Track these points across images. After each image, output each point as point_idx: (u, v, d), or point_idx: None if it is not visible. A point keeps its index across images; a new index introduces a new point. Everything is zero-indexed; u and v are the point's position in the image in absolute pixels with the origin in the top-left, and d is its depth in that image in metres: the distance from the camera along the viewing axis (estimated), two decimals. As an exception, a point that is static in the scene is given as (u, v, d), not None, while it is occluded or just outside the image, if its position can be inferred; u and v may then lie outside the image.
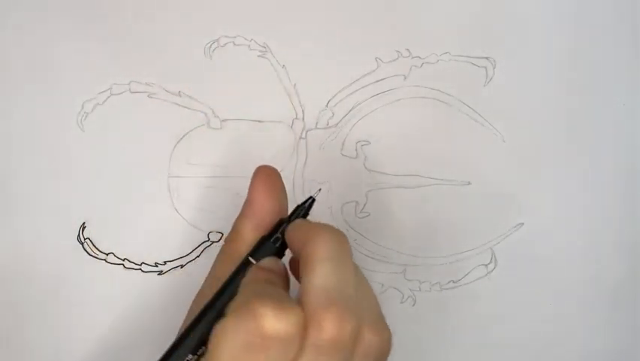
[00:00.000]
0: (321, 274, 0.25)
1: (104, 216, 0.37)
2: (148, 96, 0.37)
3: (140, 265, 0.37)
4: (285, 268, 0.29)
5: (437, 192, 0.38)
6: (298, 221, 0.29)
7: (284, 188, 0.30)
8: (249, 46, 0.37)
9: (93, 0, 0.36)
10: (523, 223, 0.38)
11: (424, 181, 0.38)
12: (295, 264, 0.30)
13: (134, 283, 0.37)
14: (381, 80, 0.37)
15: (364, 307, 0.26)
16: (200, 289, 0.30)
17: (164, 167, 0.37)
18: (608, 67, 0.38)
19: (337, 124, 0.38)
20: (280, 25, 0.37)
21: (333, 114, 0.37)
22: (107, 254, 0.37)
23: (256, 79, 0.37)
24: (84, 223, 0.37)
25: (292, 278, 0.30)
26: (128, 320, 0.37)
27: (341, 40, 0.37)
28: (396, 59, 0.37)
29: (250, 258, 0.29)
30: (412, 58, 0.37)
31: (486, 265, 0.38)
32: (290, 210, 0.30)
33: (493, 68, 0.38)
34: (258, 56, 0.37)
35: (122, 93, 0.37)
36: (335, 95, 0.37)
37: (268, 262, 0.29)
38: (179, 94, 0.37)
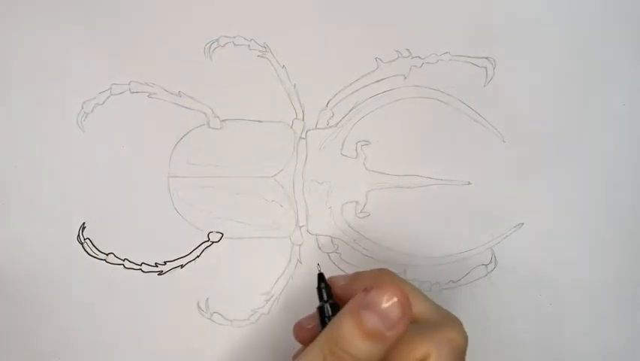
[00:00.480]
0: None
1: (104, 216, 0.37)
2: (148, 96, 0.37)
3: (140, 265, 0.37)
4: None
5: (437, 192, 0.38)
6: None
7: None
8: (248, 46, 0.37)
9: (93, 0, 0.36)
10: (523, 223, 0.38)
11: (424, 181, 0.38)
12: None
13: (134, 283, 0.37)
14: (381, 80, 0.37)
15: None
16: None
17: (164, 167, 0.37)
18: (608, 67, 0.38)
19: (337, 124, 0.38)
20: (280, 25, 0.37)
21: (333, 114, 0.37)
22: (107, 254, 0.37)
23: (256, 79, 0.37)
24: (84, 223, 0.37)
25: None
26: (129, 319, 0.37)
27: (341, 41, 0.37)
28: (396, 59, 0.37)
29: None
30: (412, 58, 0.37)
31: (486, 265, 0.38)
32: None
33: (493, 68, 0.38)
34: (258, 56, 0.37)
35: (122, 93, 0.37)
36: (335, 95, 0.37)
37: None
38: (179, 94, 0.37)
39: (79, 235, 0.36)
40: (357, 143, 0.38)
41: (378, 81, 0.37)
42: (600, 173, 0.38)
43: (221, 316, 0.37)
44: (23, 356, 0.36)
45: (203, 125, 0.37)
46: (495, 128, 0.38)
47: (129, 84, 0.37)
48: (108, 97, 0.37)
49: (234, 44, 0.37)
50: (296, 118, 0.37)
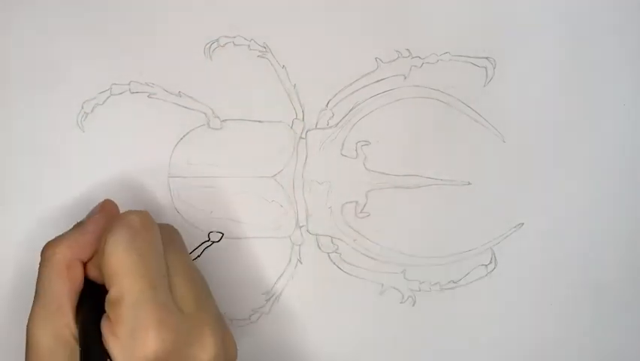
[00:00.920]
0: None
1: (104, 216, 0.37)
2: (148, 96, 0.37)
3: (140, 265, 0.37)
4: None
5: (437, 192, 0.38)
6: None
7: None
8: (248, 46, 0.37)
9: (93, 0, 0.36)
10: (523, 223, 0.38)
11: (424, 181, 0.38)
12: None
13: (134, 283, 0.37)
14: (381, 80, 0.37)
15: None
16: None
17: (164, 167, 0.37)
18: (608, 67, 0.38)
19: (337, 124, 0.38)
20: (280, 25, 0.37)
21: (333, 114, 0.37)
22: (107, 254, 0.37)
23: (256, 79, 0.37)
24: (84, 223, 0.36)
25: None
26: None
27: (341, 41, 0.37)
28: (396, 59, 0.37)
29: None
30: (412, 58, 0.37)
31: (486, 265, 0.38)
32: None
33: (493, 68, 0.38)
34: (258, 56, 0.37)
35: (122, 93, 0.37)
36: (335, 95, 0.37)
37: None
38: (179, 94, 0.37)
39: (79, 235, 0.36)
40: (357, 143, 0.38)
41: (378, 81, 0.37)
42: (600, 173, 0.38)
43: (222, 316, 0.37)
44: (23, 356, 0.36)
45: (203, 125, 0.37)
46: (495, 128, 0.38)
47: (129, 84, 0.37)
48: (108, 97, 0.37)
49: (234, 44, 0.37)
50: (296, 118, 0.37)
